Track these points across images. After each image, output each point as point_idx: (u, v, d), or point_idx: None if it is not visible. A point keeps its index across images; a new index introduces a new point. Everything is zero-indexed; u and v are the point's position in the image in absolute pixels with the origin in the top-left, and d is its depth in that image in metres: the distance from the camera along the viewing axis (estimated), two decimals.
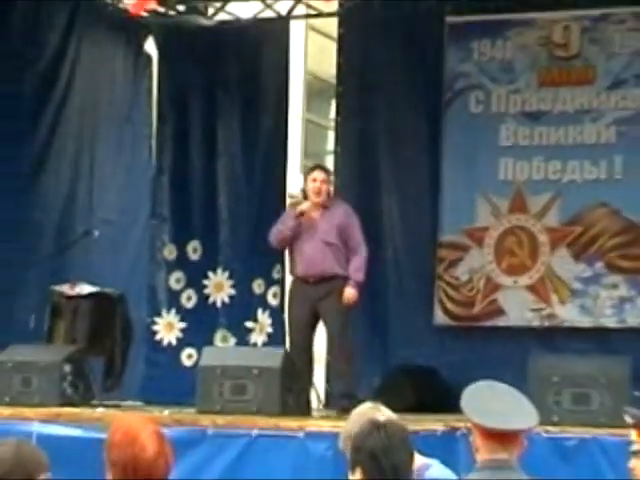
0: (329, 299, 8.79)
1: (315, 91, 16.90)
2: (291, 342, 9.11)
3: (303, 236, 8.85)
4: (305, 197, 9.03)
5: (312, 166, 9.67)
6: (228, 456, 7.44)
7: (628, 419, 4.57)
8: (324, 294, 8.80)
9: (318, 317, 8.92)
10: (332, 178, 9.14)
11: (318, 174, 9.05)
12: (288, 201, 11.16)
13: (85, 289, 9.74)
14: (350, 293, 8.80)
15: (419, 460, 4.31)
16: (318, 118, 17.02)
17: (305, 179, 9.16)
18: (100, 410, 8.47)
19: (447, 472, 4.26)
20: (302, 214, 8.88)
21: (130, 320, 10.24)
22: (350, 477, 3.88)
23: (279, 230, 9.06)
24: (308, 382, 9.08)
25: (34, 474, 3.63)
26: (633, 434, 4.53)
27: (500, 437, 4.16)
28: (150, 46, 12.62)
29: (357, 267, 8.85)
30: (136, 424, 3.59)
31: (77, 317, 9.68)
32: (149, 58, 12.63)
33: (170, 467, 3.55)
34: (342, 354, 8.93)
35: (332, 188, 9.26)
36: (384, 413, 4.38)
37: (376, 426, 3.89)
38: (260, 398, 8.18)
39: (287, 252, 9.30)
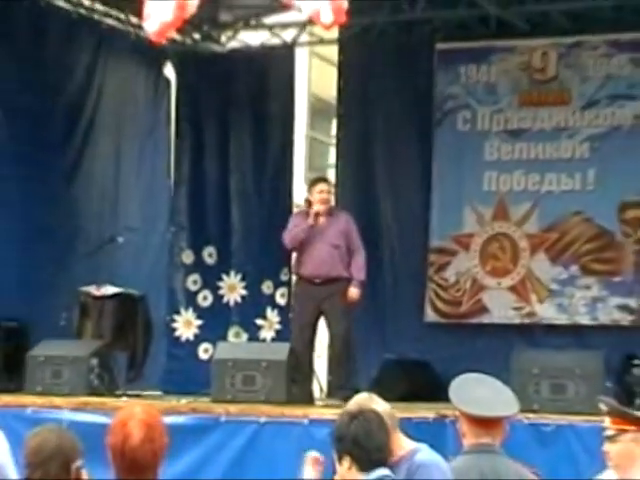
0: (333, 299, 8.72)
1: (317, 111, 16.91)
2: (295, 338, 9.02)
3: (312, 240, 8.80)
4: (309, 206, 9.01)
5: (316, 179, 9.64)
6: (239, 441, 7.42)
7: (603, 407, 4.55)
8: (329, 294, 8.73)
9: (321, 316, 8.85)
10: (332, 189, 9.10)
11: (323, 186, 9.04)
12: (295, 210, 11.15)
13: (110, 290, 9.72)
14: (354, 292, 8.74)
15: (410, 445, 4.30)
16: (320, 135, 17.03)
17: (310, 190, 9.13)
18: (124, 399, 8.47)
19: (435, 455, 4.24)
20: (318, 214, 8.87)
21: (150, 318, 10.23)
22: (338, 467, 3.85)
23: (295, 232, 9.02)
24: (310, 374, 9.04)
25: (71, 460, 3.62)
26: (607, 421, 4.51)
27: (484, 423, 4.16)
28: (169, 71, 12.63)
29: (359, 268, 8.81)
30: (129, 413, 3.53)
31: (103, 315, 9.67)
32: (168, 81, 12.64)
33: (158, 455, 3.47)
34: (344, 352, 8.84)
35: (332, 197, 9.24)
36: (377, 402, 4.36)
37: (353, 416, 3.87)
38: (268, 388, 8.16)
39: (294, 254, 9.24)
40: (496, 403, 4.18)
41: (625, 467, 4.45)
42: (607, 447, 4.47)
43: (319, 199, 8.89)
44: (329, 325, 8.88)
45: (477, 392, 4.23)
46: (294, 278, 9.48)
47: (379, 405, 4.33)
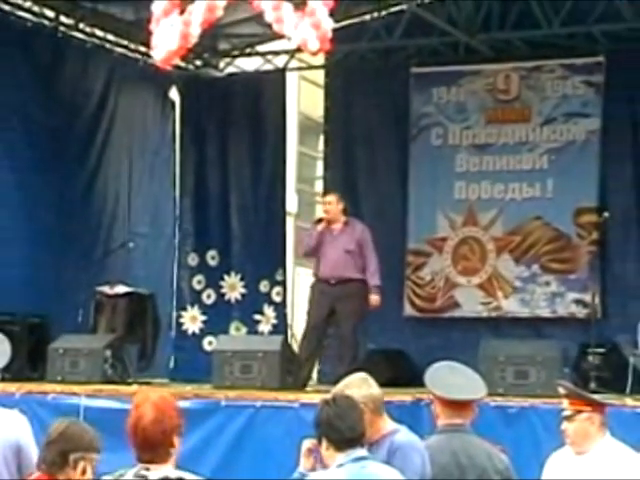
0: (346, 300, 8.59)
1: (306, 128, 16.87)
2: (308, 333, 8.84)
3: (327, 245, 8.71)
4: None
5: (325, 192, 9.69)
6: (238, 422, 7.37)
7: (562, 390, 4.55)
8: (343, 295, 8.61)
9: (334, 316, 8.69)
10: (340, 202, 8.96)
11: (328, 198, 8.97)
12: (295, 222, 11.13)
13: (122, 289, 9.68)
14: (374, 299, 8.63)
15: (390, 425, 4.27)
16: (309, 150, 16.99)
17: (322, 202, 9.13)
18: (135, 387, 8.42)
19: (412, 436, 4.21)
20: (321, 220, 8.84)
21: (158, 314, 10.19)
22: (323, 452, 3.82)
23: (305, 241, 9.05)
24: (312, 365, 8.90)
25: (71, 450, 3.56)
26: (565, 402, 4.51)
27: (456, 406, 4.14)
28: (174, 94, 12.61)
29: (374, 273, 8.67)
30: (144, 397, 3.51)
31: (116, 312, 9.63)
32: (173, 103, 12.61)
33: (167, 434, 3.44)
34: (351, 349, 8.73)
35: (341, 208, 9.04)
36: (370, 385, 4.31)
37: (326, 402, 3.83)
38: (263, 376, 8.12)
39: (314, 260, 9.10)
40: (466, 388, 4.17)
41: (581, 443, 4.46)
42: (565, 426, 4.48)
43: (324, 209, 8.90)
44: (337, 324, 8.75)
45: (449, 378, 4.22)
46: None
47: (369, 387, 4.27)
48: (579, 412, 4.44)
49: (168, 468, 3.44)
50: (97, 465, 3.66)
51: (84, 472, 3.58)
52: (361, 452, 3.71)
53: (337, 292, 8.62)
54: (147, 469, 3.41)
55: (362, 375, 4.36)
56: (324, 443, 3.73)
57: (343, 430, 3.69)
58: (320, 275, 8.78)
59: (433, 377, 4.22)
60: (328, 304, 8.65)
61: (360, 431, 3.74)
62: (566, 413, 4.47)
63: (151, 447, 3.42)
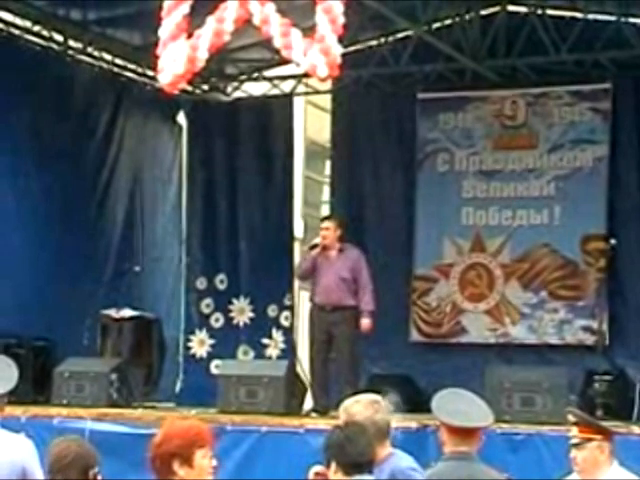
0: (341, 326, 8.67)
1: (312, 153, 16.88)
2: (312, 358, 8.95)
3: (322, 272, 8.78)
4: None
5: (323, 217, 9.76)
6: (243, 448, 7.39)
7: (571, 417, 4.53)
8: (337, 321, 8.67)
9: (332, 341, 8.76)
10: (338, 227, 9.00)
11: (326, 223, 9.04)
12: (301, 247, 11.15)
13: (127, 313, 9.72)
14: (366, 323, 8.69)
15: (387, 449, 4.28)
16: (315, 175, 16.99)
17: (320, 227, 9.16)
18: (140, 410, 8.43)
19: (409, 458, 4.22)
20: (315, 246, 8.87)
21: (164, 338, 10.22)
22: (331, 476, 3.83)
23: (301, 264, 9.12)
24: (324, 389, 8.85)
25: (89, 467, 3.62)
26: (574, 430, 4.50)
27: (462, 433, 4.13)
28: (181, 118, 12.66)
29: (367, 300, 8.75)
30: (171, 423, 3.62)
31: (121, 335, 9.65)
32: (180, 127, 12.66)
33: (168, 455, 3.49)
34: (349, 374, 8.76)
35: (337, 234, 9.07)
36: (378, 409, 4.33)
37: (338, 426, 3.88)
38: (269, 401, 8.14)
39: (310, 284, 9.19)
40: (473, 415, 4.17)
41: (590, 472, 4.45)
42: (574, 454, 4.46)
43: (321, 235, 8.93)
44: (336, 349, 8.80)
45: (456, 405, 4.21)
46: (297, 303, 9.43)
47: (375, 412, 4.29)
48: (589, 440, 4.43)
49: None
50: None
51: None
52: (368, 478, 3.73)
53: (333, 318, 8.69)
54: None
55: (373, 397, 4.38)
56: (333, 467, 3.75)
57: (353, 455, 3.72)
58: (316, 301, 8.85)
59: (440, 403, 4.22)
60: (325, 330, 8.72)
61: (369, 457, 3.77)
62: (575, 441, 4.46)
63: (155, 468, 3.46)
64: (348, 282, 8.75)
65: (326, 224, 8.99)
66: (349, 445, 3.74)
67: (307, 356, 9.41)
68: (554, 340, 10.91)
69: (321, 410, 8.49)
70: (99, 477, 3.64)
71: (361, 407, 4.25)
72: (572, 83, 11.03)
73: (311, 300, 9.02)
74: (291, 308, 11.98)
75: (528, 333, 11.01)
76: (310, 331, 8.98)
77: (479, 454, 4.21)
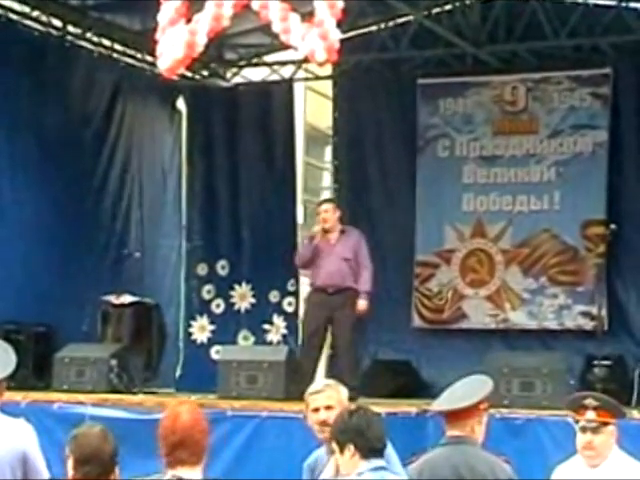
0: (343, 310, 8.60)
1: (312, 139, 16.87)
2: (306, 342, 8.88)
3: (324, 255, 8.72)
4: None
5: (321, 201, 9.69)
6: (244, 433, 7.40)
7: (592, 402, 4.49)
8: (340, 304, 8.61)
9: (332, 325, 8.71)
10: (337, 210, 8.96)
11: (324, 206, 8.98)
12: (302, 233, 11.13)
13: (127, 299, 9.73)
14: (362, 305, 8.63)
15: None
16: (315, 161, 16.99)
17: (317, 211, 9.10)
18: (140, 396, 8.46)
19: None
20: (313, 237, 8.86)
21: (164, 324, 10.23)
22: (340, 458, 3.84)
23: (300, 252, 9.11)
24: (312, 375, 8.92)
25: (113, 457, 3.64)
26: (592, 414, 4.48)
27: (448, 417, 4.10)
28: (180, 103, 12.65)
29: (365, 280, 8.69)
30: (177, 403, 3.72)
31: (121, 321, 9.67)
32: (180, 113, 12.66)
33: (204, 434, 3.62)
34: (350, 359, 8.74)
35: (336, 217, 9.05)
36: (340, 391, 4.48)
37: (353, 410, 3.88)
38: (268, 386, 8.16)
39: (310, 269, 9.14)
40: (453, 398, 4.13)
41: (604, 455, 4.46)
42: (589, 438, 4.44)
43: (321, 218, 8.89)
44: (336, 335, 8.77)
45: (452, 392, 4.19)
46: (307, 288, 9.40)
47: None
48: (606, 424, 4.44)
49: (198, 474, 3.56)
50: None
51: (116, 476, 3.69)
52: (381, 462, 3.76)
53: (334, 301, 8.63)
54: (180, 479, 3.50)
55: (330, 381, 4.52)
56: (349, 450, 3.76)
57: (372, 439, 3.76)
58: (317, 284, 8.80)
59: (441, 392, 4.22)
60: (325, 313, 8.66)
61: (385, 442, 3.81)
62: (593, 425, 4.44)
63: (189, 445, 3.55)
64: (351, 264, 8.71)
65: (325, 207, 8.95)
66: (368, 430, 3.78)
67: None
68: (554, 325, 10.93)
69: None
70: (116, 470, 3.65)
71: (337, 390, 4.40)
72: (572, 68, 11.02)
73: (312, 285, 9.00)
74: (295, 294, 11.98)
75: (528, 319, 11.03)
76: (305, 316, 8.96)
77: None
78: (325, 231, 8.77)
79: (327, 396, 4.47)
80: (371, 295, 8.75)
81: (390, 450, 4.06)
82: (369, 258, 8.84)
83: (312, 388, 4.57)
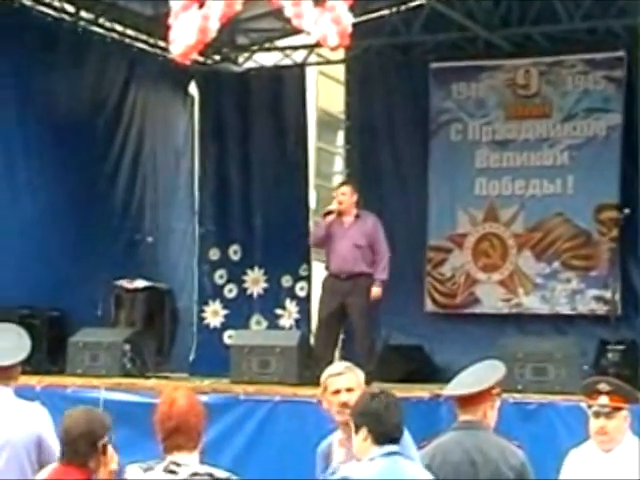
0: (356, 296, 8.53)
1: (324, 124, 16.89)
2: (320, 328, 8.82)
3: (337, 239, 8.67)
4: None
5: (340, 183, 9.66)
6: (256, 417, 7.43)
7: (606, 387, 4.50)
8: (352, 289, 8.54)
9: (346, 310, 8.62)
10: (354, 193, 8.91)
11: (342, 189, 8.90)
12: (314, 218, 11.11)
13: (140, 284, 9.76)
14: (376, 291, 8.56)
15: None
16: (327, 146, 17.02)
17: (335, 193, 9.06)
18: (153, 380, 8.50)
19: None
20: (330, 212, 8.82)
21: (176, 309, 10.26)
22: (354, 437, 3.85)
23: (314, 230, 9.09)
24: (327, 360, 8.89)
25: (98, 438, 3.67)
26: (605, 399, 4.48)
27: (463, 402, 4.12)
28: (193, 88, 12.66)
29: (382, 268, 8.63)
30: (172, 388, 3.73)
31: (134, 306, 9.71)
32: (192, 98, 12.67)
33: (200, 419, 3.65)
34: (365, 344, 8.71)
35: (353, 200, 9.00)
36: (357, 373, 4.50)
37: (374, 394, 3.88)
38: (281, 371, 8.17)
39: (325, 253, 9.13)
40: (464, 383, 4.14)
41: (618, 440, 4.47)
42: (602, 423, 4.45)
43: (337, 200, 8.83)
44: (350, 320, 8.71)
45: (464, 377, 4.20)
46: (314, 273, 9.37)
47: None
48: (619, 409, 4.44)
49: (195, 459, 3.57)
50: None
51: (105, 452, 3.69)
52: (395, 447, 3.75)
53: (347, 287, 8.57)
54: (177, 464, 3.51)
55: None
56: (363, 434, 3.76)
57: (389, 426, 3.75)
58: (331, 269, 8.75)
59: (455, 377, 4.22)
60: (338, 299, 8.60)
61: (402, 430, 3.81)
62: (606, 410, 4.45)
63: (185, 431, 3.58)
64: (363, 249, 8.66)
65: (343, 189, 8.89)
66: (386, 415, 3.76)
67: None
68: (567, 310, 10.92)
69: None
70: (109, 446, 3.68)
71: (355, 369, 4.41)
72: (586, 51, 10.97)
73: (326, 269, 8.98)
74: (307, 278, 11.99)
75: (541, 303, 11.02)
76: (320, 300, 8.94)
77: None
78: (340, 213, 8.73)
79: (348, 378, 4.46)
80: (386, 283, 8.73)
81: (406, 434, 4.04)
82: (386, 244, 8.79)
83: (331, 370, 4.55)
